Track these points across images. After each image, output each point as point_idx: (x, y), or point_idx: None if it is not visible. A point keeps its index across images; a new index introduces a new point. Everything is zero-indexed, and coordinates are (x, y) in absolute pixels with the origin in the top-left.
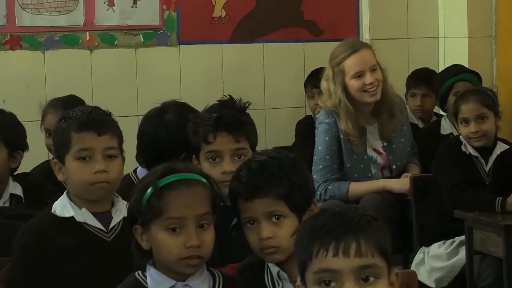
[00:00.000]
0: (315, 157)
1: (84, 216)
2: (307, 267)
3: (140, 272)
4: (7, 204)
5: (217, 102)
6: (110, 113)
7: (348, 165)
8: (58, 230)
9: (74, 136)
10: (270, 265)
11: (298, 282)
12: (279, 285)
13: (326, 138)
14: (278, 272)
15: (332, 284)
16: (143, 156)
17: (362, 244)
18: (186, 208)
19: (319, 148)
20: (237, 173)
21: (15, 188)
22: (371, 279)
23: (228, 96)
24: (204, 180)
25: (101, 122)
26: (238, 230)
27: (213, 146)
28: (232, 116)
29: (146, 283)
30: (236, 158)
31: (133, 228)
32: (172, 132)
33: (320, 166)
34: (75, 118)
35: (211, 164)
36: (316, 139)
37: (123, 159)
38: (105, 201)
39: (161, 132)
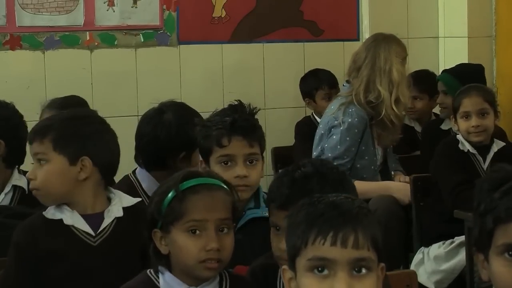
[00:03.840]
0: (329, 154)
1: (73, 218)
2: (300, 253)
3: (151, 270)
4: (10, 195)
5: (227, 107)
6: (60, 117)
7: (358, 166)
8: (45, 231)
9: None
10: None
11: (285, 266)
12: None
13: (347, 138)
14: None
15: (325, 271)
16: (142, 157)
17: (360, 236)
18: (207, 211)
19: (338, 147)
20: (280, 176)
21: (19, 180)
22: (363, 271)
23: (238, 101)
24: (224, 186)
25: (32, 130)
26: (243, 233)
27: (227, 150)
28: (246, 121)
29: (158, 282)
30: (248, 163)
31: (152, 232)
32: (171, 132)
33: (334, 163)
34: None
35: (223, 168)
36: (334, 136)
37: (83, 159)
38: (85, 204)
39: (160, 132)
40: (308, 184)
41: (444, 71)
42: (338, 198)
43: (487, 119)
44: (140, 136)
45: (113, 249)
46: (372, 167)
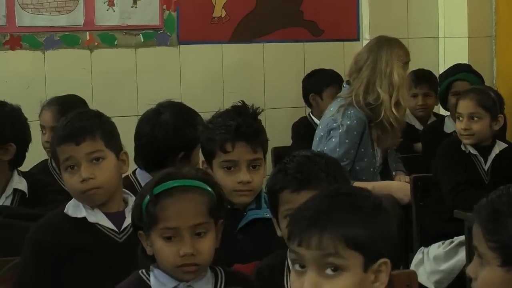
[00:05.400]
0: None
1: (97, 216)
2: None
3: (144, 270)
4: (10, 199)
5: (231, 108)
6: (95, 113)
7: (357, 168)
8: (70, 229)
9: (58, 150)
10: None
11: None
12: None
13: (346, 140)
14: None
15: (304, 268)
16: (141, 158)
17: (326, 237)
18: (180, 218)
19: (337, 149)
20: (282, 166)
21: (19, 183)
22: (332, 272)
23: (241, 102)
24: (203, 186)
25: (76, 130)
26: (243, 233)
27: (231, 155)
28: (250, 126)
29: (149, 281)
30: (251, 168)
31: (138, 233)
32: (168, 132)
33: None
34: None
35: (226, 173)
36: (333, 139)
37: (122, 154)
38: (114, 202)
39: (157, 132)
40: (315, 164)
41: (461, 70)
42: (333, 191)
43: (478, 124)
44: (138, 137)
45: (135, 246)
46: (371, 169)
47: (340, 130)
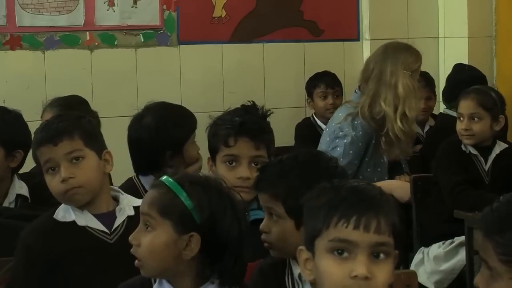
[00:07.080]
0: None
1: (86, 219)
2: (321, 234)
3: None
4: (12, 205)
5: (240, 106)
6: (75, 115)
7: (360, 177)
8: (60, 233)
9: (37, 153)
10: (293, 266)
11: (302, 247)
12: (298, 287)
13: (351, 151)
14: (300, 273)
15: (345, 254)
16: (132, 161)
17: (382, 222)
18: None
19: (341, 159)
20: (286, 169)
21: (21, 188)
22: (382, 256)
23: (251, 102)
24: (172, 187)
25: (53, 131)
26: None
27: (233, 150)
28: (255, 123)
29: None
30: (253, 165)
31: None
32: (152, 134)
33: None
34: (35, 135)
35: (227, 168)
36: (338, 149)
37: (105, 153)
38: (101, 202)
39: (142, 135)
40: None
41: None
42: (359, 184)
43: (478, 124)
44: (128, 141)
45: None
46: (375, 179)
47: (345, 141)
